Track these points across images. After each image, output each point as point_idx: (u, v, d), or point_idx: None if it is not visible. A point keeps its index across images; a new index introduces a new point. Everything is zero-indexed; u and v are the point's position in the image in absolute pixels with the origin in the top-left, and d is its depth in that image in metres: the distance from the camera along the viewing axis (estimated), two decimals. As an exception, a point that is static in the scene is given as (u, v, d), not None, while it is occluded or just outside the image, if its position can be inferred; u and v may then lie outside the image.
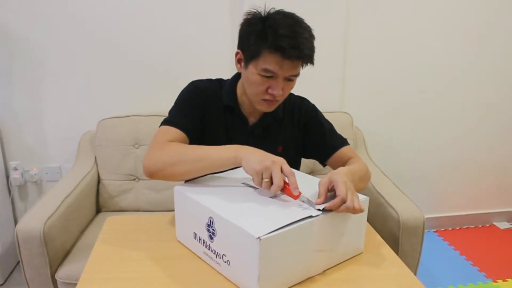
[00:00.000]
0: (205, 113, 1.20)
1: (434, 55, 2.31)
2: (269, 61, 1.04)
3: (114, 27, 2.01)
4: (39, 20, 1.96)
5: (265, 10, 1.09)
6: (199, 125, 1.19)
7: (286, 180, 0.90)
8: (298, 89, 1.43)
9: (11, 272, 2.08)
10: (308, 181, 1.05)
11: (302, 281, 0.88)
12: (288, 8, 1.11)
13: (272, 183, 0.89)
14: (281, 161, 0.92)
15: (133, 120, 1.99)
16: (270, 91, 1.09)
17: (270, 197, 0.92)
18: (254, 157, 0.93)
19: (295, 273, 0.86)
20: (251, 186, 0.99)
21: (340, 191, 0.86)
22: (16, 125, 2.09)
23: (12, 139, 2.11)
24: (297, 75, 1.10)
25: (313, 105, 1.34)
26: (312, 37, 1.08)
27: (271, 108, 1.16)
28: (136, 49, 2.06)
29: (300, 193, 0.89)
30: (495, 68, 2.40)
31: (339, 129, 1.34)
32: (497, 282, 2.09)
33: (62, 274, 1.49)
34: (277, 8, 1.11)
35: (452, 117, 2.45)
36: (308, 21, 1.10)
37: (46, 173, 2.17)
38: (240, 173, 1.07)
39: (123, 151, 1.96)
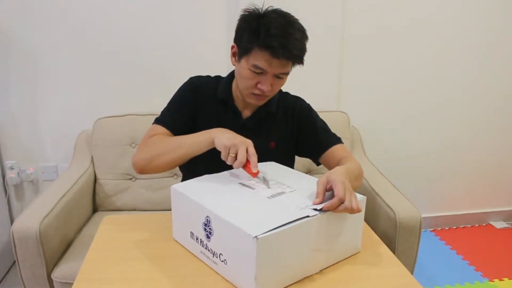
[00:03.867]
0: (197, 108, 1.25)
1: (432, 54, 2.32)
2: (258, 58, 1.08)
3: (111, 26, 2.01)
4: (36, 20, 1.95)
5: (262, 7, 1.11)
6: (188, 121, 1.24)
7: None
8: (295, 88, 1.44)
9: (7, 272, 2.08)
10: (305, 180, 1.05)
11: (299, 281, 0.88)
12: (285, 7, 1.12)
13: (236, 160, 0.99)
14: (248, 142, 1.02)
15: (130, 120, 1.98)
16: (259, 86, 1.13)
17: (267, 197, 0.92)
18: (224, 135, 1.04)
19: (292, 272, 0.86)
20: (248, 186, 0.99)
21: (339, 191, 0.86)
22: (12, 124, 2.08)
23: (8, 138, 2.10)
24: (286, 73, 1.14)
25: (308, 105, 1.35)
26: (304, 38, 1.10)
27: (260, 102, 1.20)
28: (132, 49, 2.05)
29: (258, 172, 0.99)
30: (493, 68, 2.40)
31: (336, 129, 1.34)
32: (493, 281, 2.09)
33: (58, 273, 1.49)
34: (275, 6, 1.11)
35: (450, 117, 2.46)
36: (305, 20, 1.11)
37: (43, 173, 2.17)
38: (237, 174, 1.07)
39: (120, 150, 1.95)
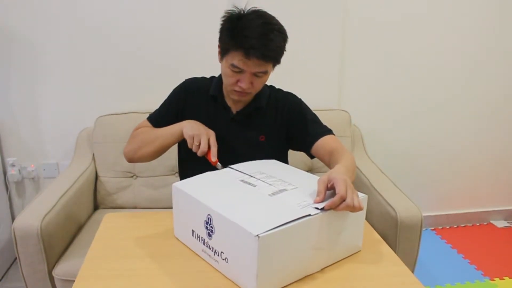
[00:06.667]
0: (185, 107, 1.34)
1: (433, 52, 2.31)
2: (234, 58, 1.14)
3: (112, 23, 2.00)
4: (37, 18, 1.94)
5: (244, 8, 1.16)
6: (173, 119, 1.30)
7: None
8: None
9: (8, 269, 2.08)
10: (307, 178, 1.05)
11: (300, 279, 0.88)
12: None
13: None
14: (210, 133, 1.17)
15: (131, 117, 1.98)
16: (239, 84, 1.18)
17: (269, 195, 0.92)
18: (191, 125, 1.18)
19: (293, 271, 0.86)
20: (249, 183, 0.99)
21: (340, 189, 0.86)
22: (13, 121, 2.08)
23: (10, 135, 2.10)
24: (264, 72, 1.17)
25: (299, 99, 1.38)
26: (280, 38, 1.14)
27: (242, 99, 1.26)
28: (134, 46, 2.05)
29: (217, 161, 1.12)
30: (494, 68, 2.40)
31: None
32: (494, 280, 2.09)
33: (59, 271, 1.49)
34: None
35: (451, 115, 2.45)
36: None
37: (44, 170, 2.17)
38: (238, 171, 1.07)
39: (121, 148, 1.92)
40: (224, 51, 1.18)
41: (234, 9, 1.16)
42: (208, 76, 1.41)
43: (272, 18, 1.15)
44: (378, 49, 2.25)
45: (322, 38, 2.15)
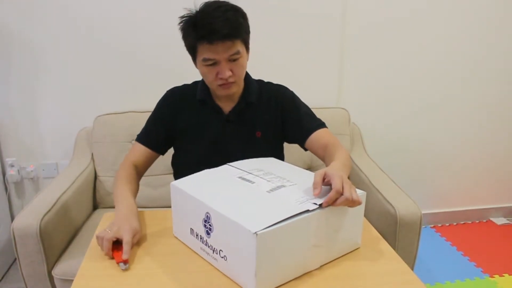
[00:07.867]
0: (174, 117, 1.31)
1: (433, 50, 2.31)
2: (202, 51, 1.14)
3: (111, 23, 2.00)
4: (36, 17, 1.94)
5: (194, 7, 1.15)
6: (164, 133, 1.31)
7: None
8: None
9: (8, 269, 2.08)
10: (305, 175, 1.05)
11: (299, 277, 0.88)
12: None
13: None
14: (122, 230, 0.97)
15: (130, 116, 1.98)
16: (219, 76, 1.17)
17: (267, 191, 0.92)
18: (110, 223, 1.02)
19: (292, 268, 0.86)
20: (247, 180, 0.99)
21: (336, 184, 0.86)
22: (12, 121, 2.08)
23: (9, 135, 2.10)
24: (237, 53, 1.15)
25: (291, 92, 1.37)
26: (237, 14, 1.14)
27: (230, 90, 1.22)
28: (132, 45, 2.05)
29: (123, 260, 0.92)
30: (494, 65, 2.40)
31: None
32: (493, 277, 2.10)
33: (58, 270, 1.49)
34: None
35: (450, 113, 2.45)
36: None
37: (43, 170, 2.17)
38: (236, 168, 1.07)
39: (120, 147, 1.95)
40: (192, 51, 1.18)
41: (186, 12, 1.16)
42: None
43: (223, 1, 1.15)
44: (377, 47, 2.25)
45: (322, 37, 2.15)
